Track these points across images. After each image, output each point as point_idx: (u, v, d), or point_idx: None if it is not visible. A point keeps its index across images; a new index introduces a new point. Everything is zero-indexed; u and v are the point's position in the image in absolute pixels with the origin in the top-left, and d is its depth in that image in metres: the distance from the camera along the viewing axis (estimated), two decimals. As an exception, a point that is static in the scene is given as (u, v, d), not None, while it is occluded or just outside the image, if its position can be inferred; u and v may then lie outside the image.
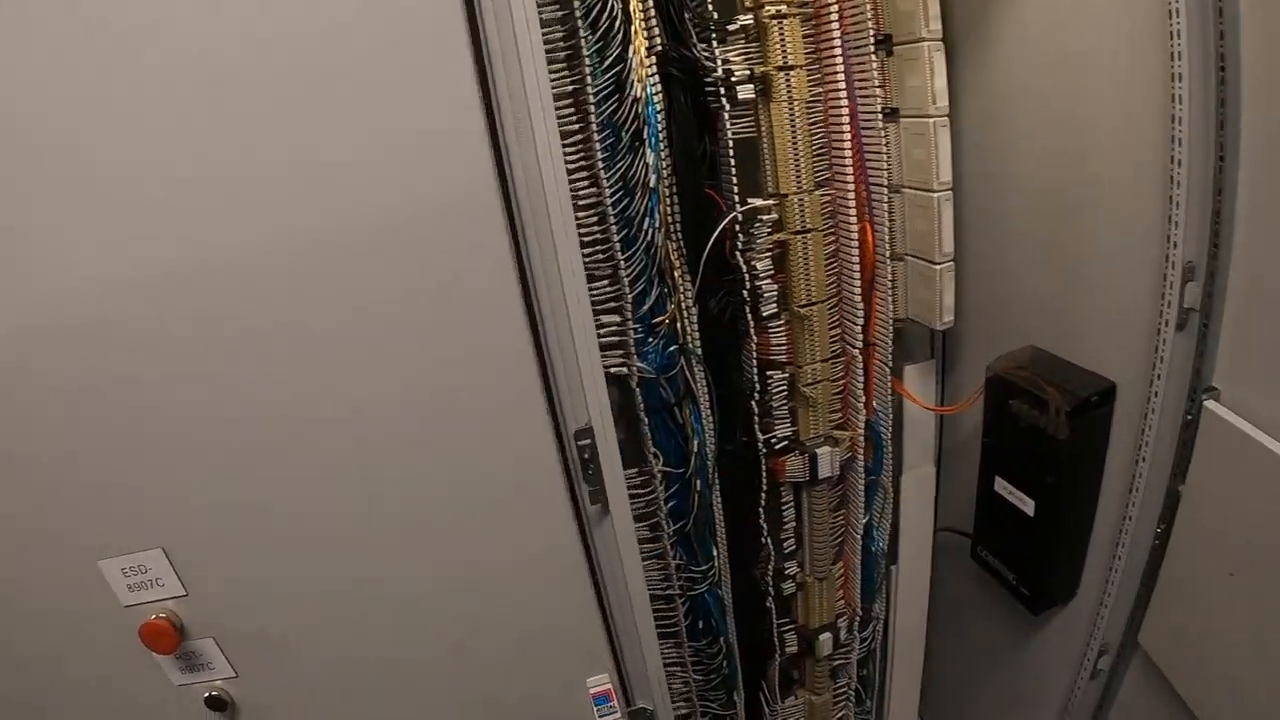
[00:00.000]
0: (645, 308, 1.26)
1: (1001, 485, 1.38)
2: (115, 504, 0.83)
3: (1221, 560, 1.08)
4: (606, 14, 1.11)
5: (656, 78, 1.21)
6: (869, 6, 1.24)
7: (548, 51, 1.03)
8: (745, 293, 1.31)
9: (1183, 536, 1.17)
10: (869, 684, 1.76)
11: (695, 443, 1.35)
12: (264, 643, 0.90)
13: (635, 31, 1.16)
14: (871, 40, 1.25)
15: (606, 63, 1.15)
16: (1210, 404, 1.08)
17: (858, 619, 1.61)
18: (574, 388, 1.03)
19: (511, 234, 0.93)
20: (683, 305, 1.28)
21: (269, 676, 0.92)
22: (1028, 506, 1.33)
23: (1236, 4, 0.94)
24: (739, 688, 1.60)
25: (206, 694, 0.90)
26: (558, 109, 1.04)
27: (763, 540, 1.47)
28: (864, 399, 1.42)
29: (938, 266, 1.38)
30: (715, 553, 1.45)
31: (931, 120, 1.31)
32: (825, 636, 1.57)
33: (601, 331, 1.24)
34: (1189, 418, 1.12)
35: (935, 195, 1.34)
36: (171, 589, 0.86)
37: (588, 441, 1.06)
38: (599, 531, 1.13)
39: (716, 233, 1.28)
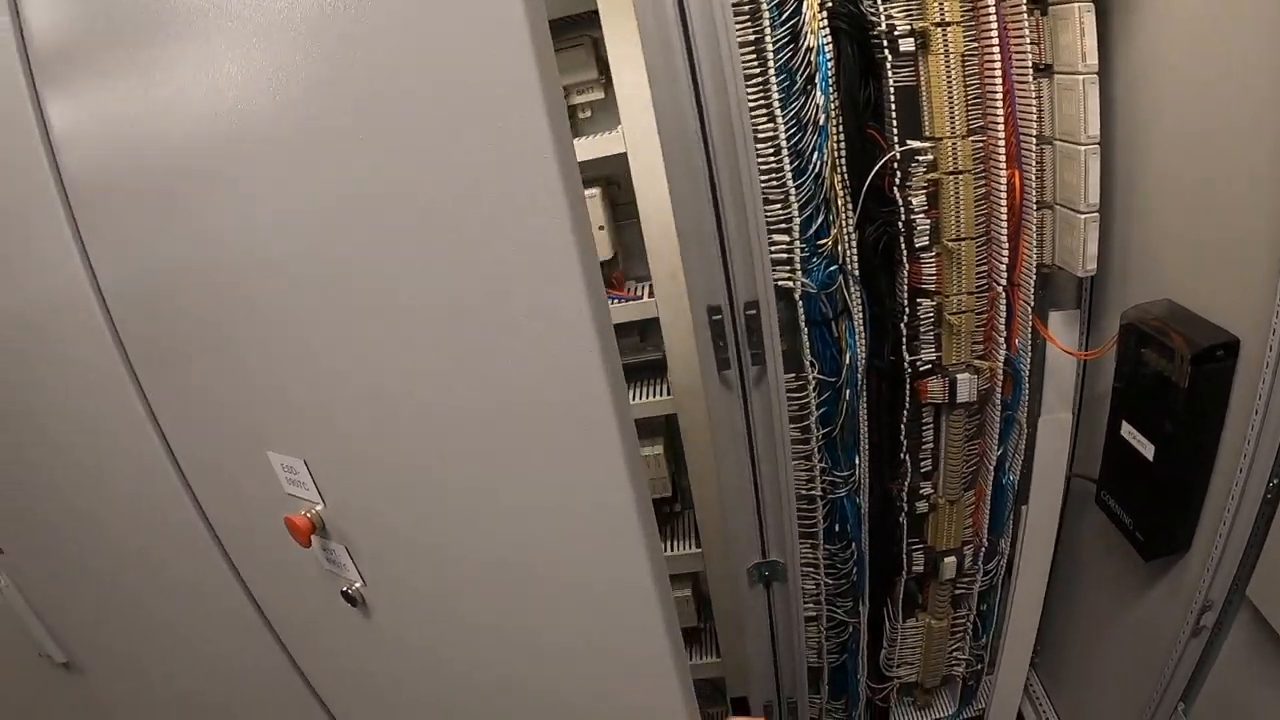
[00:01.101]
0: (811, 230, 1.59)
1: (1127, 430, 1.60)
2: (285, 411, 0.98)
3: None
4: None
5: (827, 29, 1.50)
6: None
7: (734, 5, 1.40)
8: (900, 224, 1.57)
9: None
10: (987, 620, 1.97)
11: (848, 355, 1.63)
12: (384, 564, 1.06)
13: None
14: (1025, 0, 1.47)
15: (784, 15, 1.48)
16: None
17: (983, 550, 1.84)
18: (745, 268, 1.30)
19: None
20: (844, 231, 1.58)
21: (389, 592, 1.09)
22: (1149, 451, 1.56)
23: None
24: (865, 598, 1.87)
25: (343, 589, 1.11)
26: (741, 55, 1.42)
27: (901, 457, 1.73)
28: (1006, 335, 1.63)
29: (1082, 216, 1.60)
30: (857, 461, 1.74)
31: (1081, 77, 1.55)
32: (950, 560, 1.81)
33: (772, 248, 1.59)
34: None
35: (1083, 148, 1.58)
36: (313, 496, 1.01)
37: (754, 313, 1.34)
38: (758, 391, 1.40)
39: (877, 168, 1.56)
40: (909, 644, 2.02)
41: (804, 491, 1.77)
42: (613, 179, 1.75)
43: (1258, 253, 1.30)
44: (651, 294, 1.68)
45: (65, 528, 1.36)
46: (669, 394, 1.76)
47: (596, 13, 1.51)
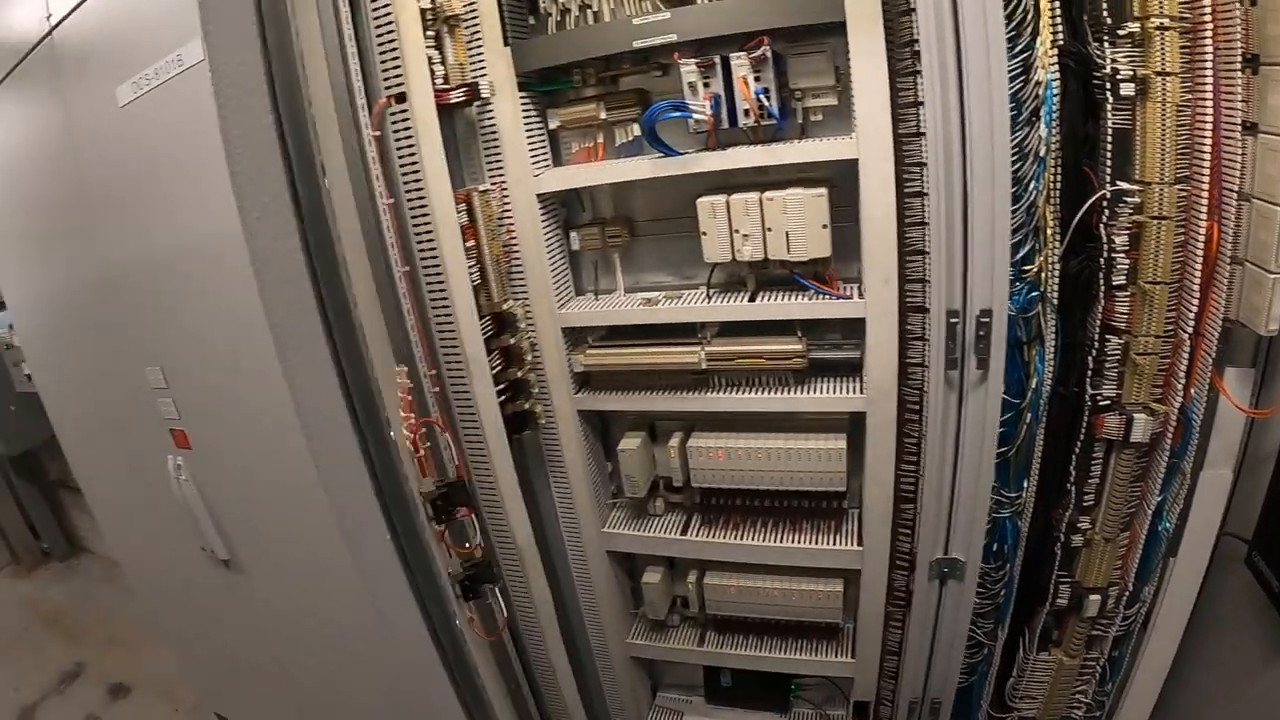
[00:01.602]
0: (1019, 255, 1.72)
1: None
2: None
3: None
4: (1020, 10, 1.61)
5: (1057, 66, 1.65)
6: (1240, 27, 1.62)
7: None
8: (1101, 261, 1.68)
9: None
10: (1116, 667, 2.07)
11: (1034, 380, 1.74)
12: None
13: (1043, 26, 1.64)
14: (1239, 58, 1.63)
15: (1018, 48, 1.63)
16: None
17: (1127, 594, 1.91)
18: (985, 278, 1.59)
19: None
20: (1049, 259, 1.70)
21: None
22: None
23: None
24: (1005, 623, 1.98)
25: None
26: None
27: (1068, 487, 1.83)
28: (1184, 382, 1.74)
29: (1272, 276, 1.71)
30: (1025, 484, 1.87)
31: None
32: (1095, 598, 1.95)
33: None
34: None
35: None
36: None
37: (987, 320, 1.60)
38: (974, 394, 1.67)
39: (1088, 204, 1.68)
40: (1037, 677, 2.12)
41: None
42: (835, 182, 1.90)
43: None
44: (860, 295, 1.83)
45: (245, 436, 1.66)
46: (860, 392, 1.92)
47: (839, 24, 1.69)
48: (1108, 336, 1.78)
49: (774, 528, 2.19)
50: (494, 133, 1.97)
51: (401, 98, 1.77)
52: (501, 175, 2.00)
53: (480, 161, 2.01)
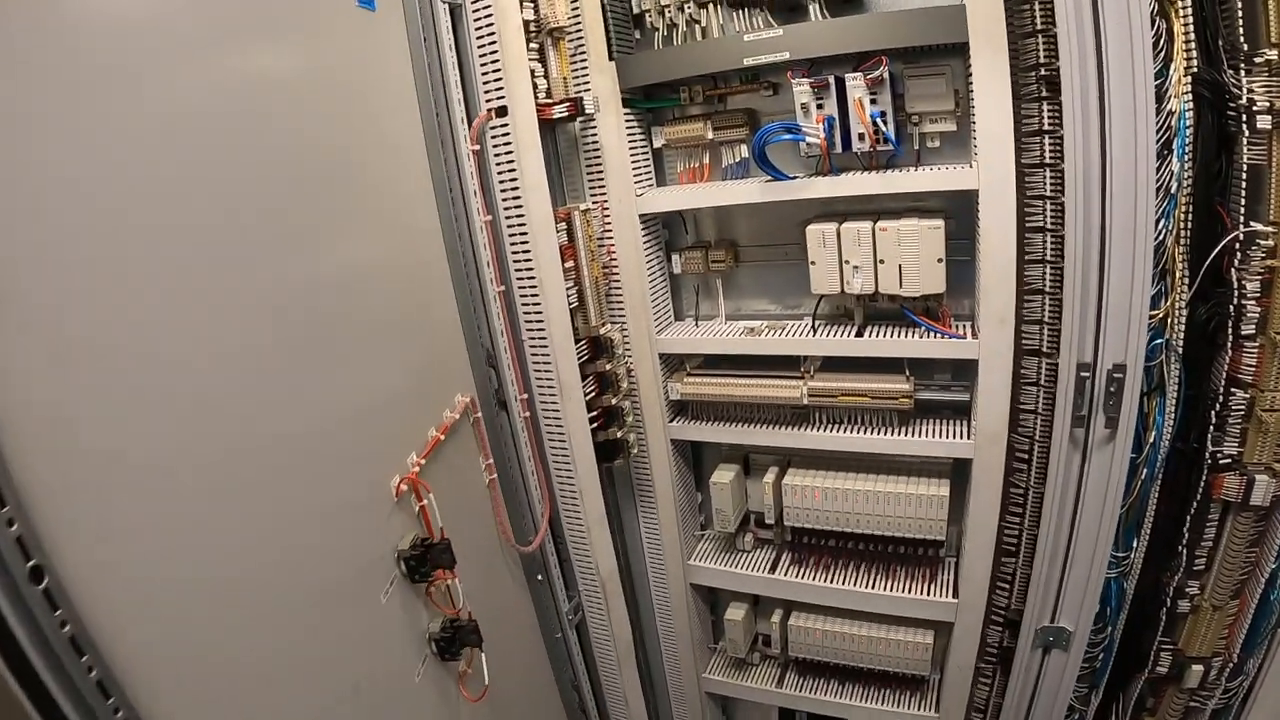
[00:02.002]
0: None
1: None
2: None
3: None
4: (1153, 33, 1.54)
5: (1190, 95, 1.61)
6: None
7: None
8: (1231, 308, 1.61)
9: None
10: None
11: (1153, 434, 1.69)
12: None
13: (1176, 52, 1.60)
14: None
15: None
16: None
17: (1230, 666, 1.84)
18: (1119, 329, 1.57)
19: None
20: (1176, 304, 1.64)
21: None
22: None
23: None
24: (1100, 687, 1.94)
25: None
26: None
27: (1180, 549, 1.78)
28: None
29: None
30: (1135, 543, 1.83)
31: None
32: (1197, 668, 1.88)
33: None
34: None
35: None
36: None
37: (1120, 375, 1.57)
38: (1099, 454, 1.65)
39: (1220, 247, 1.62)
40: (1129, 747, 2.00)
41: None
42: (951, 213, 1.89)
43: None
44: (974, 335, 1.82)
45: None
46: (968, 437, 1.89)
47: (959, 45, 1.68)
48: (1233, 390, 1.72)
49: (866, 572, 2.15)
50: (597, 149, 2.00)
51: (503, 111, 1.81)
52: (604, 194, 2.01)
53: (582, 179, 2.04)
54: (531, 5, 1.82)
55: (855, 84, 1.78)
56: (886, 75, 1.77)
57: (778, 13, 1.88)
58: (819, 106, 1.81)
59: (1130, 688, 1.97)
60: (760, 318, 2.15)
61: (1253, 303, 1.66)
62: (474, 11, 1.79)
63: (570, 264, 1.90)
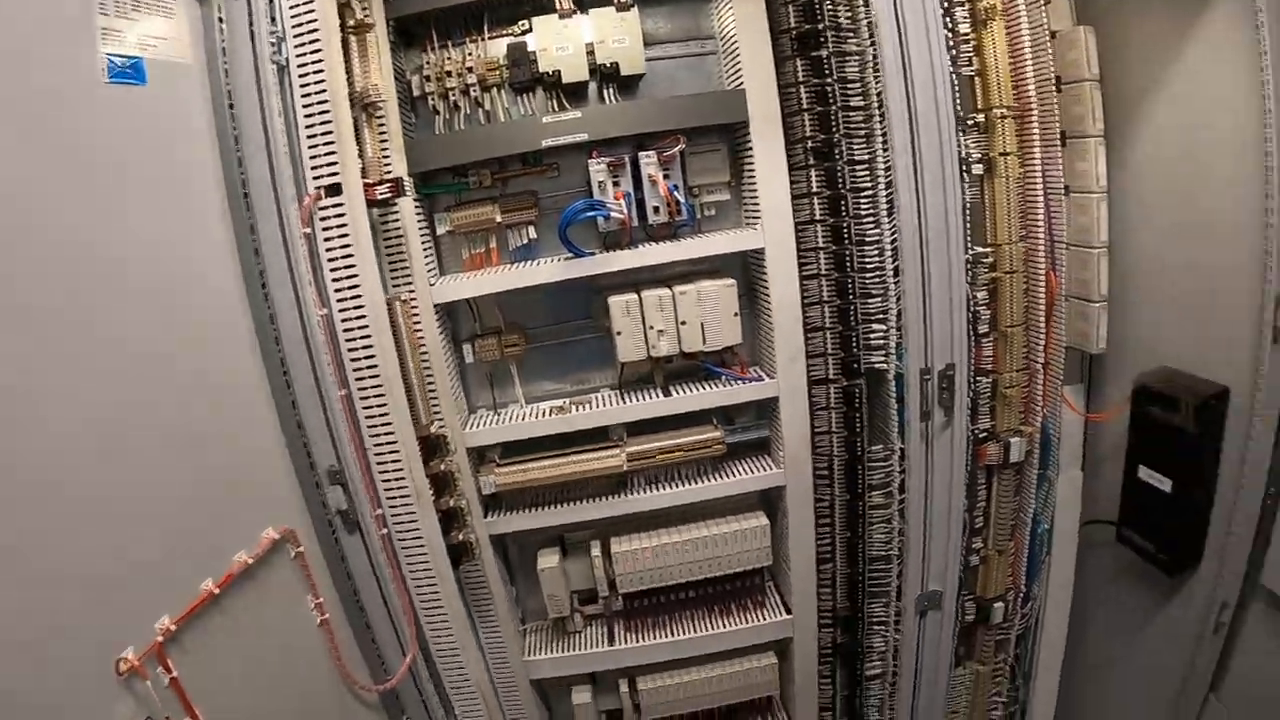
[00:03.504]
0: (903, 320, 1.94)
1: (1145, 473, 2.12)
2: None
3: None
4: None
5: None
6: (1054, 110, 2.06)
7: (853, 127, 1.91)
8: (969, 316, 1.97)
9: None
10: (1021, 663, 2.47)
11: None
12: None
13: None
14: (1058, 135, 2.06)
15: None
16: None
17: (1020, 595, 2.23)
18: (944, 336, 1.90)
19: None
20: None
21: None
22: (1166, 485, 2.09)
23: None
24: None
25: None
26: (856, 169, 1.93)
27: (963, 516, 2.06)
28: (1041, 404, 2.09)
29: (1095, 305, 2.14)
30: None
31: (1095, 196, 2.14)
32: (999, 605, 2.26)
33: (871, 335, 2.01)
34: None
35: (1095, 251, 2.13)
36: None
37: (951, 373, 1.94)
38: (940, 439, 1.98)
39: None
40: (958, 692, 2.40)
41: (881, 552, 2.14)
42: (725, 271, 2.08)
43: (1239, 317, 1.88)
44: (771, 375, 2.04)
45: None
46: (778, 466, 2.09)
47: (732, 124, 1.92)
48: (978, 378, 2.09)
49: (703, 617, 2.24)
50: (400, 235, 1.89)
51: (335, 189, 1.65)
52: (409, 283, 1.91)
53: (384, 269, 1.89)
54: (347, 78, 1.70)
55: (649, 161, 1.92)
56: (680, 154, 1.94)
57: (566, 96, 1.98)
58: (615, 184, 1.92)
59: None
60: (555, 396, 2.19)
61: (984, 308, 2.04)
62: (301, 76, 1.63)
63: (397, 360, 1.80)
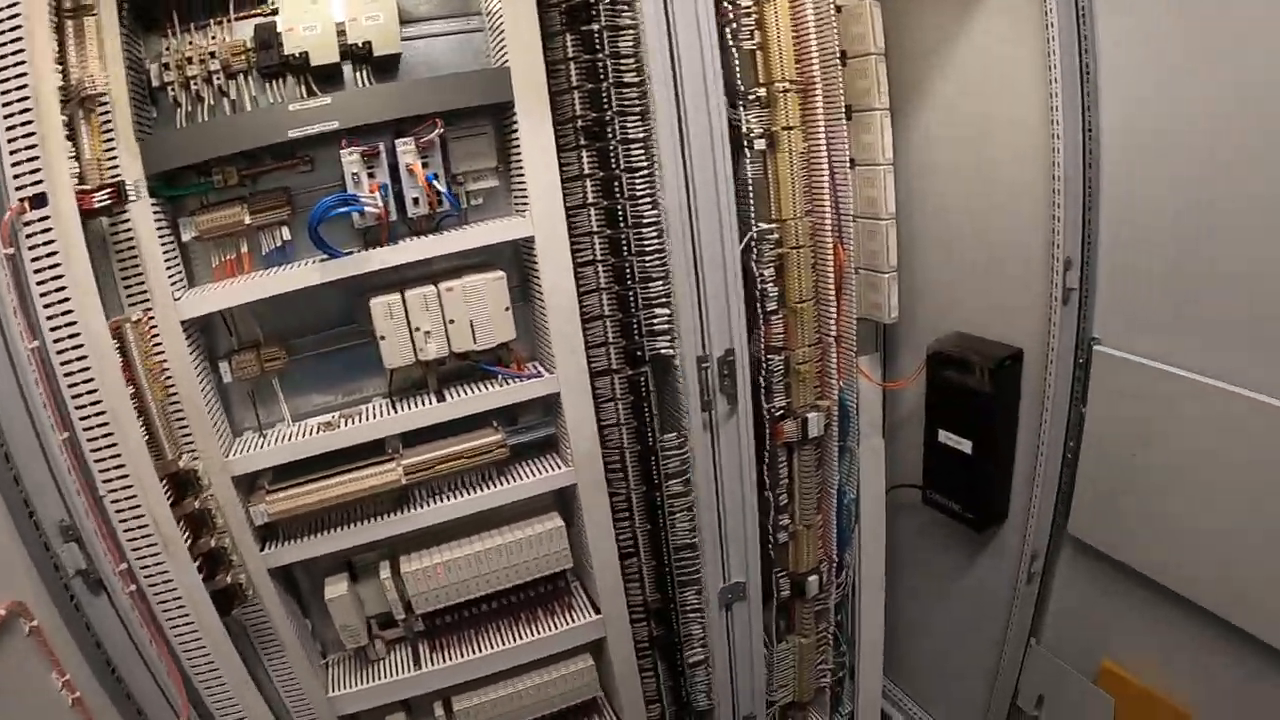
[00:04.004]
0: None
1: (945, 436, 2.16)
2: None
3: (1124, 450, 1.84)
4: None
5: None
6: (839, 84, 2.02)
7: (628, 105, 1.84)
8: (757, 293, 1.93)
9: (1091, 444, 1.95)
10: (843, 631, 2.50)
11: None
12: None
13: None
14: (843, 109, 2.03)
15: None
16: (1098, 348, 1.91)
17: (834, 565, 2.26)
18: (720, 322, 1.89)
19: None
20: None
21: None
22: (966, 446, 2.10)
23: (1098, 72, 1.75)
24: None
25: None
26: (630, 149, 1.85)
27: (764, 495, 2.06)
28: (836, 377, 2.10)
29: (885, 275, 2.14)
30: None
31: (880, 168, 2.13)
32: (813, 579, 2.28)
33: (654, 321, 1.94)
34: (1081, 360, 1.94)
35: (883, 223, 2.14)
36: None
37: (731, 359, 1.92)
38: (726, 428, 1.96)
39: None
40: (784, 667, 2.40)
41: (685, 541, 2.10)
42: (497, 263, 1.95)
43: (1028, 283, 1.96)
44: (550, 370, 1.93)
45: None
46: (568, 465, 1.98)
47: (497, 105, 1.79)
48: (770, 356, 2.07)
49: (510, 627, 2.12)
50: (132, 247, 1.64)
51: (40, 200, 1.40)
52: (146, 301, 1.67)
53: (117, 286, 1.66)
54: (60, 69, 1.45)
55: (406, 149, 1.75)
56: (439, 138, 1.78)
57: (317, 80, 1.79)
58: (370, 175, 1.76)
59: (767, 618, 2.32)
60: (327, 410, 2.00)
61: (772, 285, 2.01)
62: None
63: (132, 389, 1.57)
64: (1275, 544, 1.56)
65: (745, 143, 1.93)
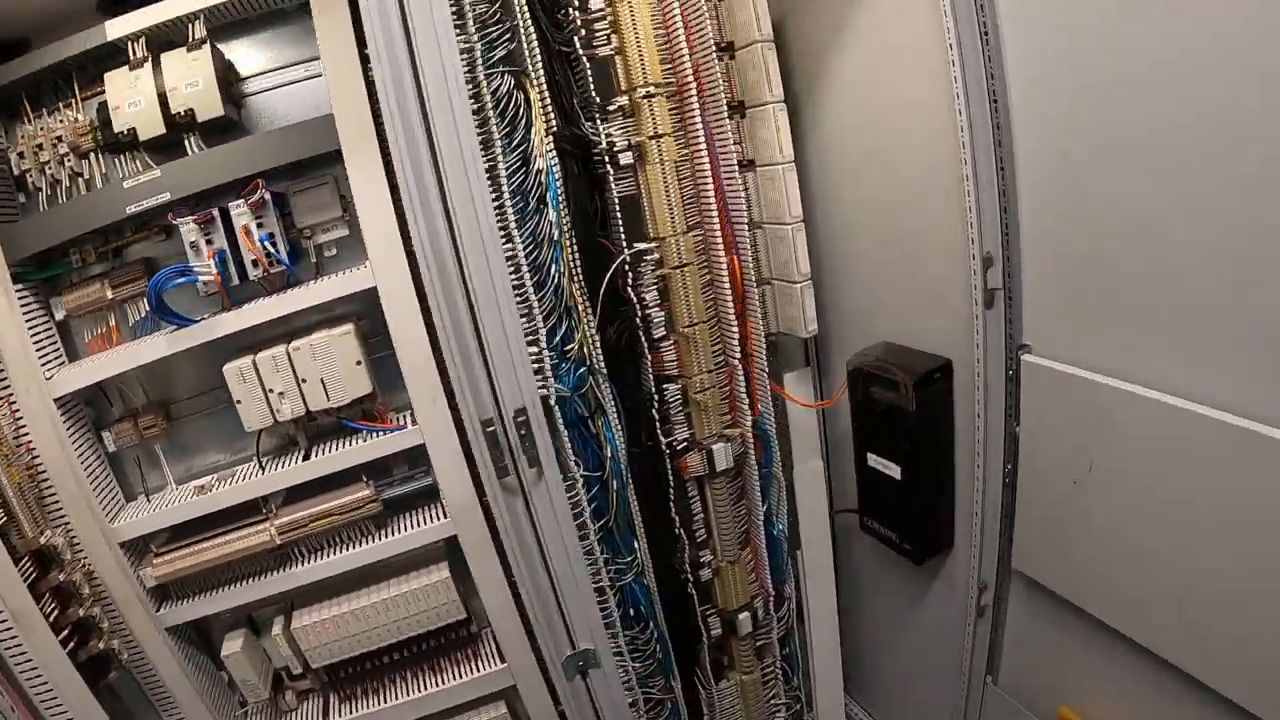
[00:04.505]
0: (558, 339, 1.80)
1: (873, 459, 1.93)
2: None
3: (1064, 475, 1.57)
4: (511, 106, 1.68)
5: (554, 152, 1.74)
6: (723, 79, 1.83)
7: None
8: (639, 320, 1.80)
9: (1029, 467, 1.68)
10: (794, 663, 2.24)
11: (609, 449, 1.85)
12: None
13: (536, 117, 1.72)
14: (726, 107, 1.84)
15: (514, 143, 1.71)
16: (1026, 357, 1.62)
17: (771, 599, 2.11)
18: (509, 379, 1.69)
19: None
20: (588, 334, 1.83)
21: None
22: (895, 472, 1.90)
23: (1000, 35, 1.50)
24: (674, 673, 2.11)
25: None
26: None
27: (676, 532, 1.94)
28: (749, 402, 1.93)
29: (798, 285, 1.94)
30: (636, 545, 1.99)
31: (780, 166, 1.91)
32: (744, 616, 2.09)
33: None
34: (1011, 372, 1.68)
35: (789, 227, 1.93)
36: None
37: (524, 419, 1.70)
38: (537, 491, 1.77)
39: (609, 273, 1.79)
40: (727, 704, 2.24)
41: (594, 584, 1.93)
42: (362, 314, 1.90)
43: (955, 288, 1.69)
44: (414, 421, 1.83)
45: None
46: (445, 516, 1.90)
47: (337, 152, 1.69)
48: (664, 386, 1.91)
49: (415, 677, 2.06)
50: None
51: None
52: (6, 386, 1.74)
53: None
54: None
55: (240, 212, 1.72)
56: (267, 196, 1.73)
57: (155, 152, 1.79)
58: (208, 242, 1.73)
59: (700, 658, 2.15)
60: (215, 470, 2.00)
61: (656, 309, 1.85)
62: None
63: None
64: (1238, 588, 1.29)
65: (607, 159, 1.78)
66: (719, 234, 1.85)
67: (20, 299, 1.75)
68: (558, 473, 1.78)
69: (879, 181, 1.86)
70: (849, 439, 2.13)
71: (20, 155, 1.79)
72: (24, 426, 1.76)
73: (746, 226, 1.90)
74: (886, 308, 1.96)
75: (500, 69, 1.65)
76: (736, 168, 1.87)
